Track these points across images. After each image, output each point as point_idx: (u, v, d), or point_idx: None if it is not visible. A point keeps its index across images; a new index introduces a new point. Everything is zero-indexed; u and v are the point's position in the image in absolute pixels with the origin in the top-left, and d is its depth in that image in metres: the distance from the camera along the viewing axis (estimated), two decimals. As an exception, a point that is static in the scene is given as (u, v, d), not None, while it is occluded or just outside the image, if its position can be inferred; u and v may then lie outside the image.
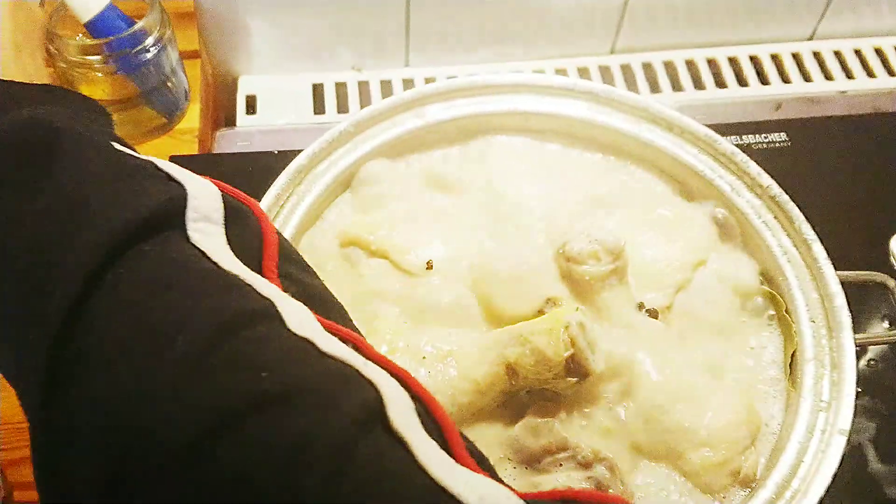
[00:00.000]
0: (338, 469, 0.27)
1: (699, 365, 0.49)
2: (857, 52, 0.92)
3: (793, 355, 0.50)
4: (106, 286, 0.31)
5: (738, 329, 0.51)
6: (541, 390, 0.47)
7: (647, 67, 0.89)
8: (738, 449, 0.46)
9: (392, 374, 0.31)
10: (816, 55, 0.92)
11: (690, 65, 0.90)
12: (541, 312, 0.49)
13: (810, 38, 0.93)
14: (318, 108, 0.85)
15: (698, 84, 0.89)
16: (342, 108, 0.85)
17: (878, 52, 0.92)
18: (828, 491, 0.44)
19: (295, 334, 0.31)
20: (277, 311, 0.31)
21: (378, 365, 0.31)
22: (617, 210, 0.55)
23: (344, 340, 0.32)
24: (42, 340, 0.30)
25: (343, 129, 0.56)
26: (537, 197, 0.55)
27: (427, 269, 0.52)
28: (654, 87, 0.88)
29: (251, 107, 0.84)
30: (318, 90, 0.86)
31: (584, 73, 0.88)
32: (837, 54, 0.92)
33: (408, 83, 0.86)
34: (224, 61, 0.86)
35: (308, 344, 0.31)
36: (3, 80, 0.40)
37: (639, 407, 0.47)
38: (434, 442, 0.29)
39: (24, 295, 0.32)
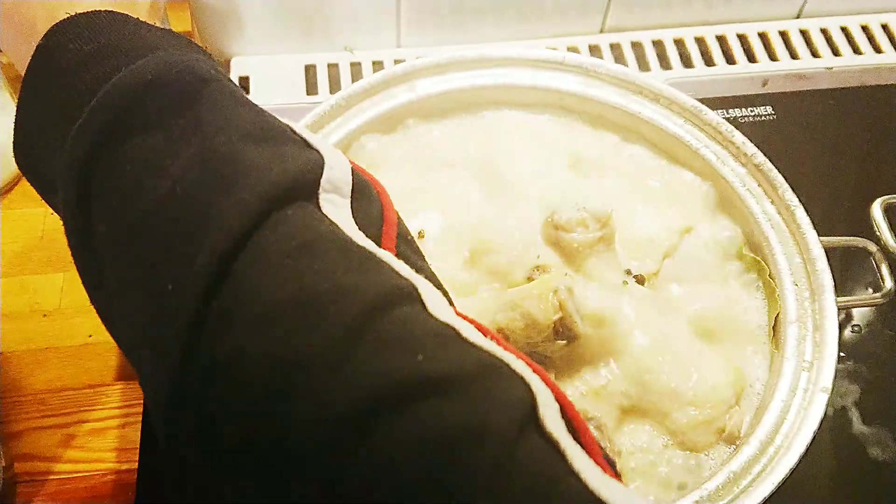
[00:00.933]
0: (499, 468, 0.26)
1: (685, 328, 0.50)
2: (844, 30, 0.93)
3: (776, 318, 0.51)
4: (253, 247, 0.29)
5: (723, 294, 0.52)
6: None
7: (637, 46, 0.90)
8: (722, 408, 0.47)
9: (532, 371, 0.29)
10: (804, 33, 0.93)
11: (679, 43, 0.91)
12: (530, 279, 0.50)
13: (797, 17, 0.94)
14: (311, 88, 0.85)
15: (687, 62, 0.89)
16: (335, 88, 0.85)
17: (865, 28, 0.93)
18: (810, 447, 0.45)
19: (437, 319, 0.30)
20: (418, 292, 0.30)
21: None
22: (605, 180, 0.56)
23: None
24: (189, 290, 0.29)
25: (334, 102, 0.56)
26: (527, 168, 0.56)
27: (419, 238, 0.53)
28: (644, 66, 0.89)
29: (244, 88, 0.85)
30: (310, 71, 0.87)
31: (574, 52, 0.89)
32: (824, 32, 0.93)
33: (400, 63, 0.87)
34: (216, 42, 0.86)
35: (452, 330, 0.30)
36: (134, 19, 0.36)
37: (626, 369, 0.48)
38: (579, 446, 0.27)
39: (170, 243, 0.30)
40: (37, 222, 0.69)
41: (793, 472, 0.44)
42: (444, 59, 0.59)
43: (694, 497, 0.43)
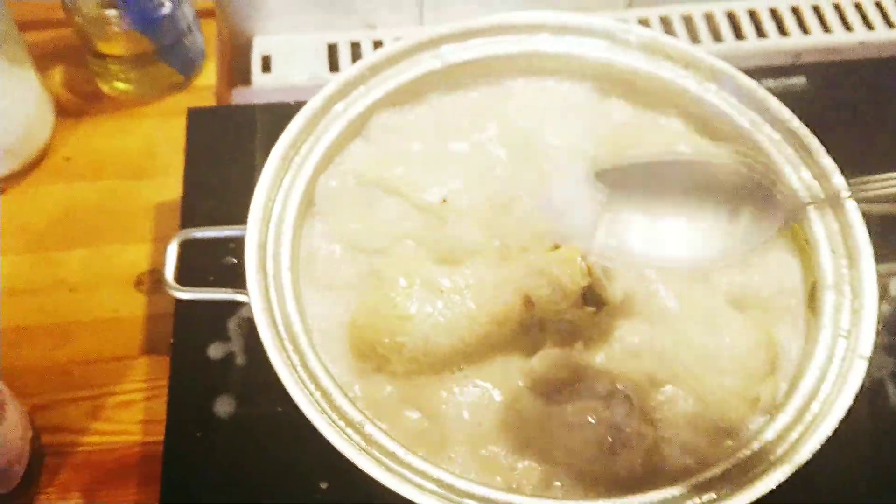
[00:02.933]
0: None
1: (719, 295, 0.49)
2: (878, 4, 0.91)
3: (813, 285, 0.49)
4: None
5: (757, 260, 0.51)
6: (559, 321, 0.47)
7: (665, 21, 0.89)
8: (757, 376, 0.46)
9: None
10: (836, 6, 0.91)
11: (709, 18, 0.89)
12: (556, 247, 0.49)
13: (830, -10, 0.92)
14: (333, 66, 0.85)
15: (717, 37, 0.88)
16: (357, 66, 0.85)
17: (900, 0, 0.90)
18: (847, 417, 0.43)
19: None
20: None
21: None
22: (636, 147, 0.55)
23: None
24: None
25: (358, 71, 0.56)
26: (555, 135, 0.55)
27: (442, 203, 0.52)
28: (672, 40, 0.87)
29: (266, 66, 0.85)
30: (332, 49, 0.86)
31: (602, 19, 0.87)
32: (857, 6, 0.91)
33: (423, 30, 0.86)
34: (239, 20, 0.86)
35: None
36: None
37: (656, 337, 0.47)
38: None
39: None
40: (63, 198, 0.69)
41: (829, 440, 0.42)
42: (469, 27, 0.58)
43: (727, 465, 0.42)
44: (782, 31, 0.88)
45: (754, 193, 0.41)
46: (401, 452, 0.43)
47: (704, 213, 0.41)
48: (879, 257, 0.49)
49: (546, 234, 0.50)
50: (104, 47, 0.72)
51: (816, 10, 0.90)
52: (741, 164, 0.42)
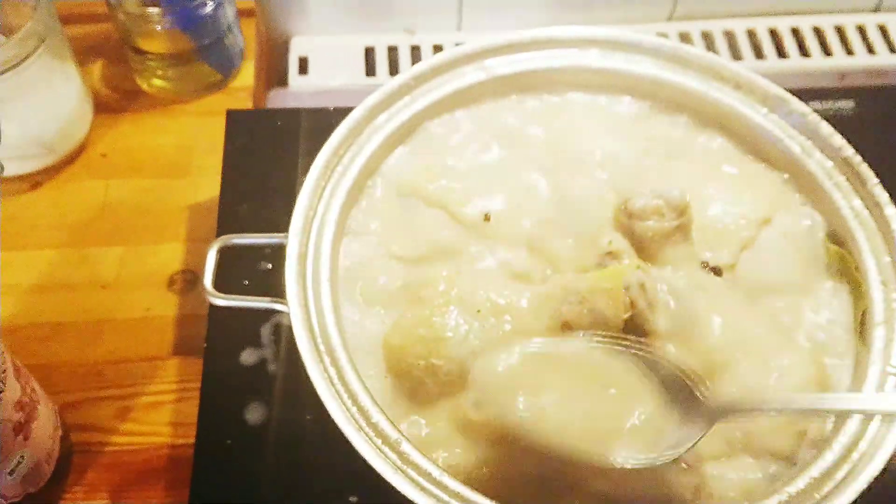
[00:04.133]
0: None
1: (765, 324, 0.48)
2: (925, 26, 0.89)
3: (863, 315, 0.48)
4: None
5: (805, 288, 0.50)
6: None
7: (707, 36, 0.88)
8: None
9: None
10: (881, 28, 0.89)
11: (751, 34, 0.88)
12: (600, 266, 0.48)
13: (875, 10, 0.91)
14: (370, 70, 0.85)
15: (759, 54, 0.87)
16: (394, 71, 0.84)
17: (947, 24, 0.89)
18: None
19: None
20: None
21: None
22: (681, 166, 0.54)
23: None
24: None
25: (403, 81, 0.55)
26: (600, 152, 0.54)
27: (485, 220, 0.51)
28: (714, 56, 0.86)
29: (303, 68, 0.84)
30: (370, 53, 0.86)
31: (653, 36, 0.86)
32: (904, 27, 0.89)
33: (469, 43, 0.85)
34: (278, 21, 0.86)
35: None
36: None
37: (703, 366, 0.46)
38: None
39: None
40: (98, 195, 0.69)
41: (877, 479, 0.41)
42: (515, 39, 0.57)
43: (773, 502, 0.41)
44: (826, 50, 0.87)
45: (681, 394, 0.41)
46: (436, 473, 0.42)
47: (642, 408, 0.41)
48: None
49: (589, 253, 0.50)
50: (145, 44, 0.72)
51: (861, 30, 0.89)
52: (669, 363, 0.42)
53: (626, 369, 0.42)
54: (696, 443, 0.41)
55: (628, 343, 0.43)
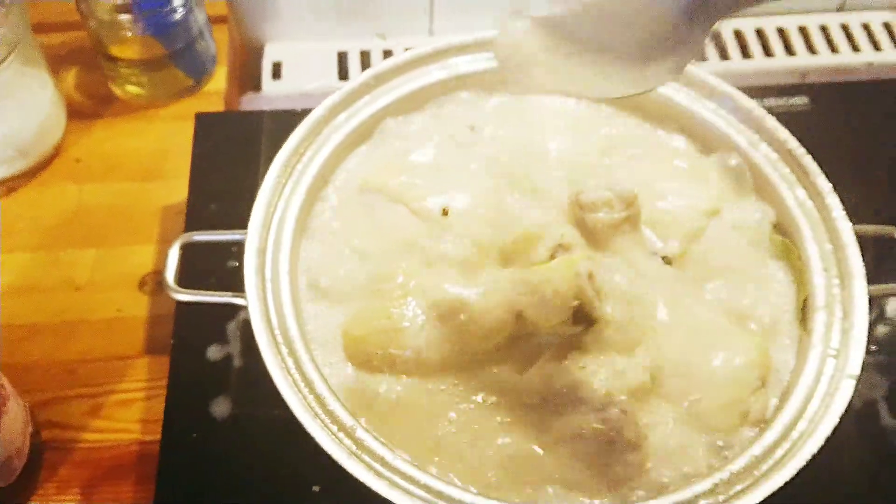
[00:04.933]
0: None
1: (712, 310, 0.50)
2: (886, 25, 0.91)
3: (804, 302, 0.50)
4: None
5: (751, 276, 0.51)
6: (552, 334, 0.48)
7: (672, 37, 0.89)
8: (748, 391, 0.46)
9: None
10: (844, 27, 0.91)
11: (716, 37, 0.90)
12: (552, 257, 0.50)
13: (839, 10, 0.92)
14: (343, 74, 0.86)
15: (724, 55, 0.88)
16: (366, 75, 0.86)
17: (907, 23, 0.91)
18: (835, 435, 0.44)
19: None
20: None
21: None
22: (632, 161, 0.56)
23: None
24: None
25: (363, 80, 0.57)
26: (555, 149, 0.56)
27: (443, 215, 0.53)
28: (678, 57, 0.88)
29: (277, 73, 0.86)
30: (342, 57, 0.87)
31: (607, 41, 0.88)
32: (866, 27, 0.91)
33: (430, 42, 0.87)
34: (251, 27, 0.88)
35: None
36: None
37: (650, 350, 0.47)
38: None
39: None
40: (72, 198, 0.70)
41: (815, 457, 0.43)
42: (475, 39, 0.59)
43: (715, 479, 0.42)
44: (789, 50, 0.89)
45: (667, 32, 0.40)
46: (390, 457, 0.43)
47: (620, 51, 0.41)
48: (873, 278, 0.50)
49: (542, 245, 0.51)
50: (117, 51, 0.73)
51: (824, 29, 0.91)
52: None
53: None
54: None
55: None
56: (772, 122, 0.54)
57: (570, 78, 0.42)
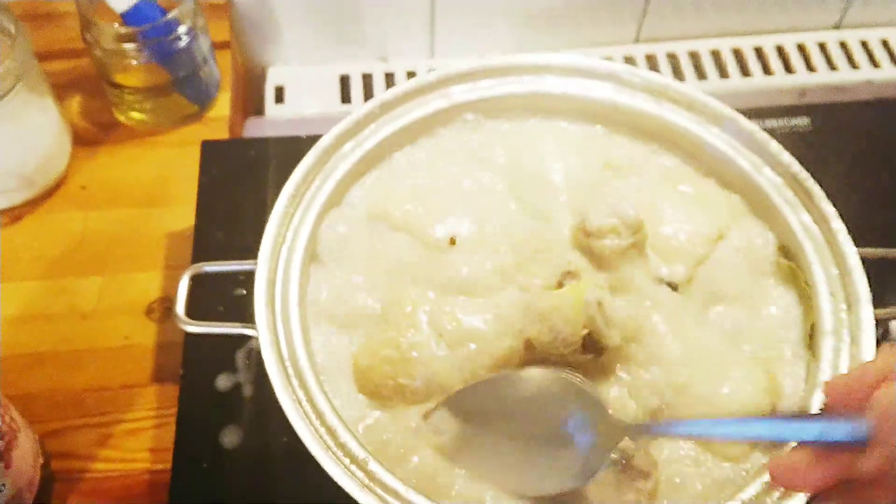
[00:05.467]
0: None
1: (720, 336, 0.50)
2: (885, 43, 0.92)
3: (812, 327, 0.50)
4: None
5: (758, 302, 0.51)
6: (562, 361, 0.48)
7: (672, 57, 0.90)
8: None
9: None
10: (843, 45, 0.92)
11: (715, 54, 0.91)
12: (560, 284, 0.50)
13: (836, 27, 0.93)
14: (345, 98, 0.87)
15: (723, 73, 0.89)
16: (368, 97, 0.87)
17: (905, 40, 0.91)
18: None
19: None
20: None
21: None
22: (638, 186, 0.56)
23: None
24: None
25: (369, 109, 0.57)
26: (560, 174, 0.56)
27: (450, 244, 0.53)
28: (679, 76, 0.89)
29: (279, 97, 0.86)
30: (345, 81, 0.88)
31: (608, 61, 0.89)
32: (864, 44, 0.92)
33: (433, 71, 0.88)
34: (254, 52, 0.88)
35: None
36: None
37: (659, 377, 0.47)
38: None
39: None
40: (77, 226, 0.71)
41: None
42: (477, 67, 0.59)
43: (726, 508, 0.43)
44: (788, 68, 0.89)
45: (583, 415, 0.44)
46: (402, 490, 0.43)
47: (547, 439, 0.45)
48: (879, 300, 0.50)
49: (549, 271, 0.51)
50: (121, 78, 0.74)
51: (822, 47, 0.92)
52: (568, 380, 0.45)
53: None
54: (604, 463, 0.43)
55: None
56: (775, 147, 0.55)
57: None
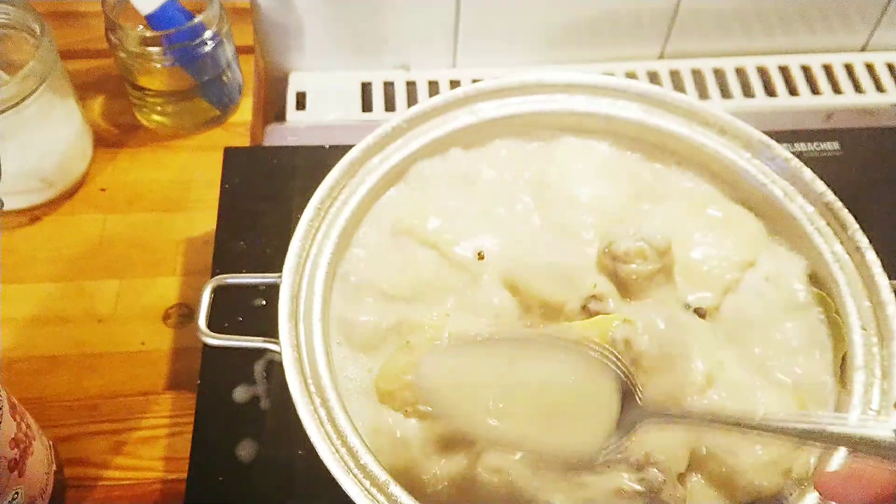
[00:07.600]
0: None
1: (748, 365, 0.49)
2: (911, 65, 0.91)
3: (843, 358, 0.49)
4: None
5: (787, 330, 0.51)
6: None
7: (697, 74, 0.89)
8: (789, 448, 0.45)
9: None
10: (869, 66, 0.91)
11: (740, 72, 0.90)
12: (584, 308, 0.49)
13: (863, 49, 0.92)
14: (366, 105, 0.86)
15: (748, 92, 0.88)
16: (389, 106, 0.86)
17: (933, 64, 0.91)
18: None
19: None
20: None
21: None
22: (666, 209, 0.55)
23: None
24: None
25: (396, 124, 0.56)
26: (587, 194, 0.55)
27: (479, 259, 0.52)
28: (703, 94, 0.88)
29: (301, 103, 0.86)
30: (366, 88, 0.88)
31: (632, 77, 0.88)
32: (890, 67, 0.91)
33: (455, 84, 0.87)
34: (276, 58, 0.88)
35: None
36: None
37: (686, 402, 0.47)
38: None
39: None
40: (96, 228, 0.70)
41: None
42: (505, 84, 0.58)
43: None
44: (814, 89, 0.88)
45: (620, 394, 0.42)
46: (424, 514, 0.43)
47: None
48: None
49: (574, 295, 0.51)
50: (145, 81, 0.73)
51: (848, 68, 0.91)
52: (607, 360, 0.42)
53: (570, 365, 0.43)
54: (624, 442, 0.41)
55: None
56: (808, 174, 0.54)
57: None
